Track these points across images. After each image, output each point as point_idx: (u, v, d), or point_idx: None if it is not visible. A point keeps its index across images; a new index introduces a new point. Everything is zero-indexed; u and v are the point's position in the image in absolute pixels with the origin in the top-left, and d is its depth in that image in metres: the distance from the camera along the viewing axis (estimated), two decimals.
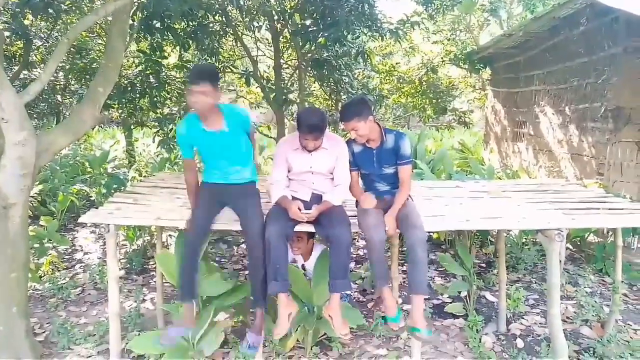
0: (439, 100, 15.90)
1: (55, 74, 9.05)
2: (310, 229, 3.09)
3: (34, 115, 10.04)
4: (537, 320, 3.95)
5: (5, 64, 8.40)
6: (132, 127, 9.14)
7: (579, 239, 5.60)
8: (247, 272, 4.84)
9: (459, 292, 4.27)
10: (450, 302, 4.26)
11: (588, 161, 6.75)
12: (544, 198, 3.83)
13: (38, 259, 4.93)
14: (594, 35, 6.65)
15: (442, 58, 14.63)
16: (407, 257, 2.95)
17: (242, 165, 3.14)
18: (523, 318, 4.01)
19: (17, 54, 7.98)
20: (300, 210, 2.96)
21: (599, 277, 4.87)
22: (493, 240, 5.52)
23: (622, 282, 3.57)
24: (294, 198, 3.11)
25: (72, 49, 7.61)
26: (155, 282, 4.24)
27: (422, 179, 5.72)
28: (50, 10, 5.69)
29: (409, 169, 3.18)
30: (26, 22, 6.79)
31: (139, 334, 3.34)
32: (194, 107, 2.79)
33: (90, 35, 8.48)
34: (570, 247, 5.64)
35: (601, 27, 6.48)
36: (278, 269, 2.86)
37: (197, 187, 3.15)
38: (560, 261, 3.59)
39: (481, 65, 12.39)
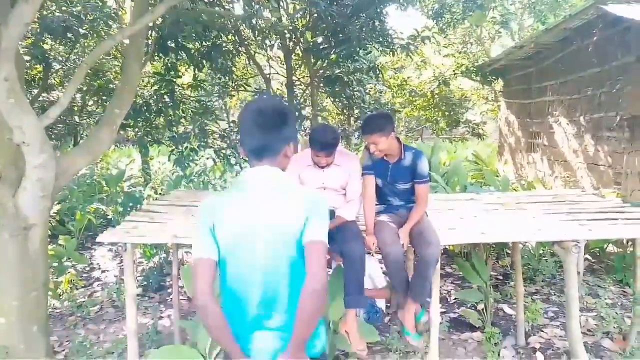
0: (452, 113, 15.89)
1: (72, 96, 9.26)
2: None
3: (52, 136, 10.24)
4: (556, 333, 3.89)
5: (24, 87, 8.62)
6: (148, 145, 9.28)
7: (598, 249, 5.52)
8: None
9: (476, 305, 4.23)
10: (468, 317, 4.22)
11: (605, 171, 6.67)
12: (560, 209, 3.80)
13: (57, 278, 5.00)
14: (606, 45, 6.62)
15: (453, 71, 14.65)
16: (416, 268, 2.95)
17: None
18: (542, 331, 3.95)
19: (37, 77, 8.19)
20: None
21: (620, 287, 4.78)
22: (509, 252, 5.47)
23: None
24: None
25: (89, 71, 7.79)
26: (172, 299, 4.27)
27: (436, 192, 5.70)
28: (69, 35, 5.86)
29: (427, 187, 3.17)
30: (45, 46, 6.98)
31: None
32: None
33: (107, 57, 8.68)
34: (590, 257, 5.56)
35: (613, 37, 6.46)
36: None
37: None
38: (578, 272, 3.56)
39: (493, 77, 12.40)
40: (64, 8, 5.95)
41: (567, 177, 7.78)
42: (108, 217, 7.62)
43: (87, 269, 5.85)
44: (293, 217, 1.61)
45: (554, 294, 4.70)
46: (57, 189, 3.37)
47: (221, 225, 1.64)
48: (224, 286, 1.71)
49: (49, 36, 5.89)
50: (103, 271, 5.78)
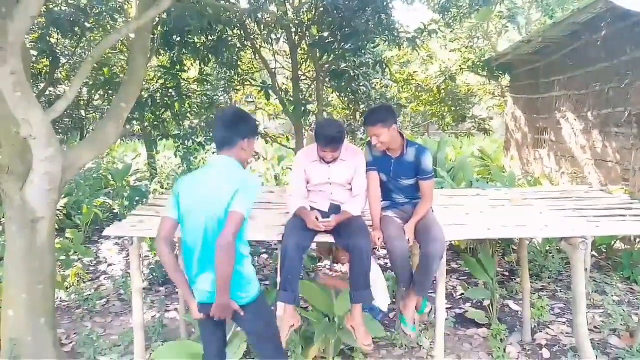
0: (458, 108, 15.78)
1: (79, 90, 9.29)
2: (330, 239, 3.09)
3: (59, 130, 10.30)
4: (563, 330, 3.88)
5: (31, 81, 8.66)
6: (156, 139, 9.30)
7: (604, 246, 5.49)
8: (266, 282, 4.86)
9: (482, 301, 4.22)
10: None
11: (612, 167, 6.62)
12: (567, 205, 3.77)
13: (64, 271, 5.04)
14: (615, 39, 6.55)
15: (459, 65, 14.55)
16: (419, 263, 2.94)
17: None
18: (548, 327, 3.93)
19: (43, 71, 8.21)
20: (318, 219, 2.97)
21: (627, 284, 4.76)
22: (515, 248, 5.45)
23: None
24: (312, 208, 3.13)
25: (95, 64, 7.82)
26: (177, 292, 4.28)
27: (442, 187, 5.68)
28: (75, 29, 5.86)
29: (431, 183, 3.16)
30: (52, 40, 7.00)
31: (162, 344, 3.38)
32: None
33: (113, 51, 8.69)
34: (596, 254, 5.53)
35: (622, 31, 6.39)
36: (289, 279, 2.86)
37: None
38: (585, 269, 3.53)
39: (500, 71, 12.29)
40: (70, 1, 5.95)
41: (574, 173, 7.73)
42: (114, 210, 7.66)
43: (94, 262, 5.88)
44: (225, 192, 2.15)
45: (560, 291, 4.68)
46: (64, 183, 3.38)
47: (181, 194, 2.27)
48: (182, 239, 2.31)
49: (56, 30, 5.89)
50: (109, 264, 5.81)
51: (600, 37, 6.81)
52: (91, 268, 5.68)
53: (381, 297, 3.96)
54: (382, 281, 4.01)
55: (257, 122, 2.47)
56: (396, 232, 2.95)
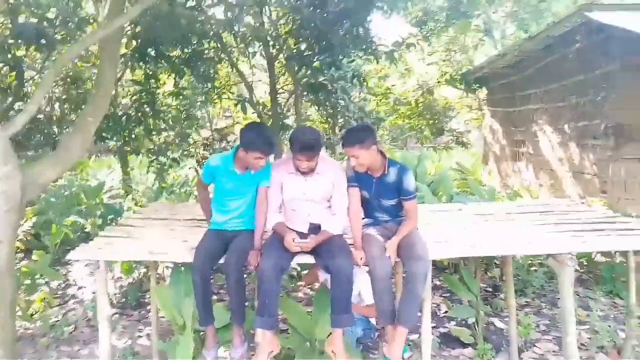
0: (436, 121, 15.88)
1: (51, 105, 9.02)
2: (310, 260, 2.95)
3: (30, 147, 9.94)
4: (550, 348, 3.78)
5: (0, 96, 8.35)
6: (127, 155, 9.03)
7: (585, 259, 5.45)
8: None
9: (466, 319, 4.11)
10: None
11: (590, 179, 6.64)
12: (550, 220, 3.70)
13: (29, 296, 4.75)
14: (589, 53, 6.62)
15: (437, 79, 14.66)
16: (404, 285, 2.81)
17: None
18: (535, 346, 3.83)
19: (13, 85, 7.92)
20: (294, 240, 2.82)
21: (610, 299, 4.71)
22: (498, 263, 5.37)
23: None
24: (290, 229, 2.98)
25: (67, 79, 7.58)
26: (150, 317, 4.06)
27: (422, 202, 5.59)
28: (43, 41, 5.64)
29: (414, 203, 3.06)
30: (20, 53, 6.74)
31: None
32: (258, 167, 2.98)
33: (86, 65, 8.46)
34: (578, 268, 5.48)
35: (597, 45, 6.45)
36: (266, 304, 2.70)
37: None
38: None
39: (477, 85, 12.40)
40: (39, 12, 5.73)
41: (553, 185, 7.75)
42: (86, 230, 7.36)
43: (63, 285, 5.59)
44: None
45: (545, 307, 4.60)
46: (25, 202, 3.17)
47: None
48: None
49: (22, 42, 5.66)
50: (79, 288, 5.53)
51: (576, 50, 6.88)
52: (60, 292, 5.40)
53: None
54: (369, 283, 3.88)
55: (250, 138, 2.88)
56: (378, 251, 2.82)
